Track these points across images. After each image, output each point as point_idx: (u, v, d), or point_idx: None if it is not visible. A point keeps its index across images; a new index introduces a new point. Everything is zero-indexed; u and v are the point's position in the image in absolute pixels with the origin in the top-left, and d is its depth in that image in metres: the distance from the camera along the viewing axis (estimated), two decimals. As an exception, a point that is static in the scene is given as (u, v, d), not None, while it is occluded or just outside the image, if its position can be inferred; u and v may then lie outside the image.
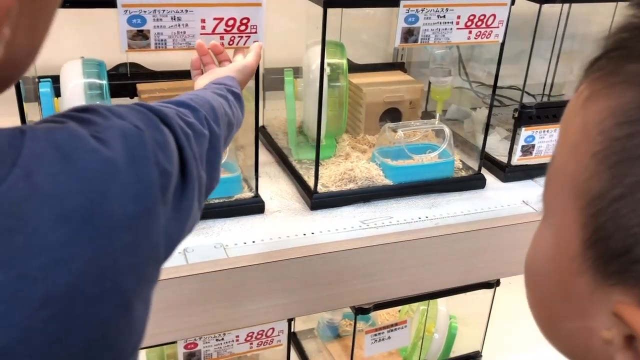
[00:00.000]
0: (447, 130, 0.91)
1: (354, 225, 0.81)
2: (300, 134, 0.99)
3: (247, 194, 0.82)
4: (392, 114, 1.02)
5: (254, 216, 0.81)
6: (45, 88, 0.77)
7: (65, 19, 0.89)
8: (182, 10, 0.67)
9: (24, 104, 0.69)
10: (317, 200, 0.84)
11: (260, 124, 1.05)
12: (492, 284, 1.04)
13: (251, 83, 0.77)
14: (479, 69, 1.14)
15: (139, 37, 0.67)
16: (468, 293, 1.00)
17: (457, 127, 1.10)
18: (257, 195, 0.82)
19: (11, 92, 0.66)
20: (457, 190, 0.91)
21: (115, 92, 0.85)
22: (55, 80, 0.80)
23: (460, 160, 0.96)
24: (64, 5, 0.64)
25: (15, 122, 0.68)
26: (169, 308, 0.69)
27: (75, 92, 0.78)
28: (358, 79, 1.03)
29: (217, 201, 0.80)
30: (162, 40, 0.68)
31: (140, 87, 0.91)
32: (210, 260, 0.71)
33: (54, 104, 0.79)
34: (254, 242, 0.76)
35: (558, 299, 0.29)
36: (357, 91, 1.01)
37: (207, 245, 0.74)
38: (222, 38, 0.70)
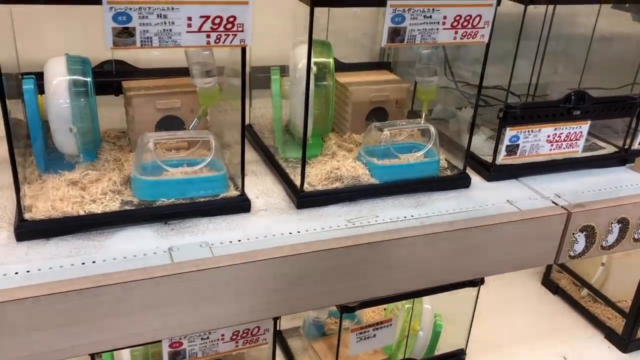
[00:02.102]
0: (432, 129, 0.92)
1: (340, 224, 0.81)
2: (287, 132, 0.99)
3: (233, 193, 0.82)
4: (379, 113, 1.02)
5: (239, 215, 0.81)
6: (28, 85, 0.77)
7: (49, 15, 0.89)
8: (168, 8, 0.67)
9: (7, 100, 0.68)
10: (303, 199, 0.84)
11: (247, 122, 1.05)
12: (477, 283, 1.05)
13: (237, 81, 0.77)
14: (465, 68, 1.15)
15: (124, 34, 0.67)
16: (453, 291, 1.01)
17: (443, 126, 1.11)
18: (243, 194, 0.82)
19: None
20: (442, 189, 0.92)
21: (100, 89, 0.85)
22: (39, 77, 0.79)
23: (446, 160, 0.96)
24: (48, 2, 0.64)
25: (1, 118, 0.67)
26: (153, 307, 0.68)
27: (59, 89, 0.78)
28: (344, 78, 1.03)
29: (203, 200, 0.80)
30: (147, 38, 0.67)
31: (126, 84, 0.91)
32: (196, 259, 0.70)
33: (37, 101, 0.78)
34: (239, 240, 0.76)
35: None
36: (343, 90, 1.01)
37: (192, 244, 0.74)
38: (208, 36, 0.70)
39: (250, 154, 1.00)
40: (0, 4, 0.63)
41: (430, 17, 0.79)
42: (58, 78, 0.78)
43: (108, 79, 0.91)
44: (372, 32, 1.33)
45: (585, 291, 1.43)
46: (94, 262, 0.69)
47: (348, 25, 1.27)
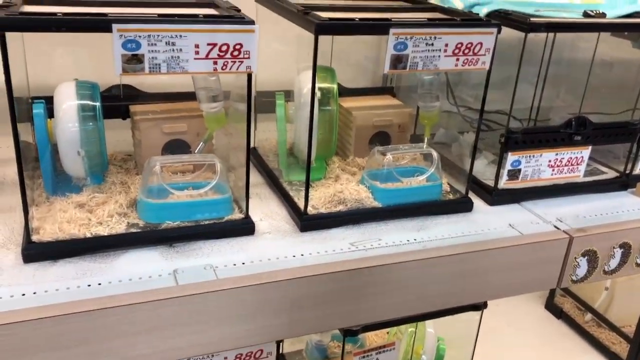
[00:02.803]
0: (434, 154, 0.93)
1: (344, 247, 0.82)
2: (291, 155, 1.00)
3: (237, 215, 0.83)
4: (381, 137, 1.03)
5: (244, 237, 0.82)
6: (38, 109, 0.78)
7: (60, 41, 0.91)
8: (176, 36, 0.68)
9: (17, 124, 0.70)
10: (307, 222, 0.85)
11: (252, 145, 1.07)
12: (480, 306, 1.05)
13: (243, 106, 0.79)
14: (466, 92, 1.17)
15: (133, 61, 0.68)
16: (456, 315, 1.01)
17: (445, 150, 1.12)
18: (247, 217, 0.83)
19: (4, 112, 0.67)
20: (444, 213, 0.93)
21: (108, 113, 0.86)
22: (49, 101, 0.81)
23: (448, 184, 0.97)
24: (60, 29, 0.66)
25: (9, 142, 0.68)
26: (158, 329, 0.69)
27: (68, 113, 0.79)
28: (348, 102, 1.04)
29: (207, 222, 0.81)
30: (156, 64, 0.69)
31: (133, 108, 0.92)
32: (200, 281, 0.71)
33: (46, 124, 0.80)
34: (243, 263, 0.76)
35: None
36: (347, 115, 1.03)
37: (197, 266, 0.75)
38: (215, 63, 0.71)
39: (255, 177, 1.01)
40: (15, 31, 0.65)
41: (432, 44, 0.80)
42: (67, 102, 0.80)
43: (116, 103, 0.93)
44: (376, 57, 1.35)
45: (589, 315, 1.42)
46: (99, 284, 0.70)
47: (352, 50, 1.29)
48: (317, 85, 0.81)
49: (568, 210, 0.99)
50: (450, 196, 0.95)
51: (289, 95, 0.96)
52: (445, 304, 0.87)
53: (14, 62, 0.68)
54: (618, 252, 0.96)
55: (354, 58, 1.31)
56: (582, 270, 0.94)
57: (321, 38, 0.77)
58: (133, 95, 0.95)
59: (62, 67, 0.98)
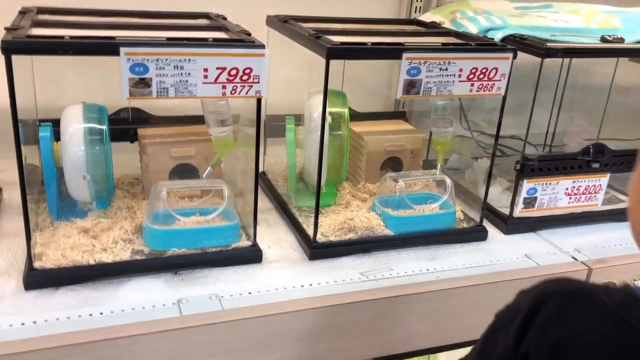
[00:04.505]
0: (448, 181, 0.91)
1: (354, 277, 0.79)
2: (300, 181, 0.98)
3: (244, 243, 0.81)
4: (393, 163, 1.01)
5: (251, 266, 0.80)
6: (45, 132, 0.77)
7: (68, 64, 0.90)
8: (184, 60, 0.67)
9: (24, 146, 0.68)
10: (316, 250, 0.82)
11: (261, 169, 1.05)
12: (494, 338, 1.01)
13: (252, 130, 0.77)
14: (480, 117, 1.14)
15: (141, 84, 0.67)
16: (470, 348, 0.97)
17: (458, 176, 1.10)
18: (255, 244, 0.81)
19: (11, 134, 0.66)
20: (458, 242, 0.90)
21: (116, 136, 0.85)
22: (56, 123, 0.80)
23: (462, 211, 0.95)
24: (67, 53, 0.65)
25: (12, 164, 0.67)
26: (160, 362, 0.66)
27: (74, 136, 0.78)
28: (359, 127, 1.02)
29: (213, 250, 0.78)
30: (164, 88, 0.68)
31: (141, 132, 0.91)
32: (205, 312, 0.69)
33: (53, 148, 0.78)
34: (250, 293, 0.74)
35: None
36: (358, 139, 1.01)
37: (202, 295, 0.72)
38: (224, 87, 0.70)
39: (263, 202, 0.99)
40: (22, 54, 0.64)
41: (446, 69, 0.79)
42: (74, 126, 0.79)
43: (124, 126, 0.92)
44: (388, 81, 1.34)
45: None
46: (101, 313, 0.68)
47: (364, 74, 1.28)
48: (327, 109, 0.79)
49: (586, 240, 0.96)
50: (464, 224, 0.92)
51: (299, 119, 0.95)
52: (459, 337, 0.84)
53: (23, 85, 0.67)
54: (639, 284, 0.92)
55: (366, 82, 1.30)
56: (601, 303, 0.90)
57: (332, 62, 0.75)
58: (141, 118, 0.94)
59: (70, 90, 0.97)
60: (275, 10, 0.99)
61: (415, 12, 1.28)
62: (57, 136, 0.80)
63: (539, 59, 0.88)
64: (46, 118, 0.83)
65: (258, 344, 0.70)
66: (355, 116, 1.03)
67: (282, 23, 0.91)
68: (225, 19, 0.89)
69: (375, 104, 1.33)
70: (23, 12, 0.79)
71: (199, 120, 0.88)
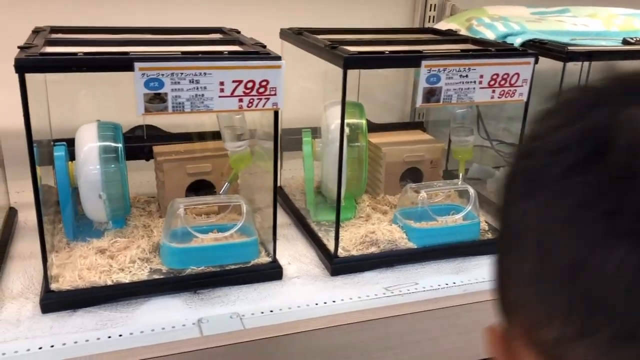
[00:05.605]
0: (471, 191, 0.88)
1: (378, 292, 0.77)
2: (318, 194, 0.96)
3: (264, 259, 0.79)
4: (413, 174, 0.99)
5: (271, 283, 0.78)
6: (59, 152, 0.76)
7: (80, 84, 0.89)
8: (200, 73, 0.66)
9: (38, 167, 0.67)
10: (337, 266, 0.80)
11: (277, 184, 1.03)
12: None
13: (268, 144, 0.75)
14: (495, 126, 1.12)
15: (156, 100, 0.66)
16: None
17: (480, 186, 1.07)
18: (274, 261, 0.79)
19: (26, 155, 0.65)
20: (484, 253, 0.87)
21: (131, 154, 0.84)
22: (71, 143, 0.79)
23: (486, 222, 0.92)
24: (81, 70, 0.64)
25: (27, 186, 0.66)
26: (181, 385, 0.64)
27: (89, 155, 0.77)
28: (377, 138, 1.01)
29: (233, 267, 0.76)
30: (179, 103, 0.66)
31: (156, 149, 0.90)
32: (226, 332, 0.67)
33: (68, 168, 0.77)
34: (271, 311, 0.72)
35: None
36: (376, 151, 0.99)
37: (222, 315, 0.70)
38: (240, 100, 0.68)
39: (281, 217, 0.97)
40: (36, 72, 0.64)
41: (467, 76, 0.77)
42: (89, 144, 0.77)
43: (139, 144, 0.91)
44: (402, 92, 1.32)
45: None
46: (120, 335, 0.66)
47: (377, 86, 1.26)
48: (345, 120, 0.77)
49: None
50: (489, 235, 0.89)
51: (315, 132, 0.93)
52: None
53: (36, 105, 0.66)
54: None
55: (378, 95, 1.28)
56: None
57: (348, 73, 0.73)
58: (156, 135, 0.93)
59: (84, 109, 0.96)
60: (286, 24, 0.97)
61: (429, 22, 1.27)
62: (71, 156, 0.79)
63: (557, 64, 0.86)
64: (61, 138, 0.82)
65: (282, 364, 0.68)
66: (372, 127, 1.01)
67: (297, 35, 0.90)
68: (238, 32, 0.88)
69: (389, 116, 1.32)
70: (36, 32, 0.79)
71: (214, 136, 0.87)
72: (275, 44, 0.90)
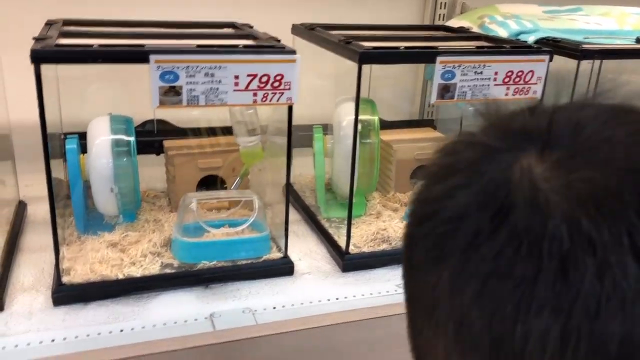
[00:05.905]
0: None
1: (389, 289, 0.76)
2: (329, 191, 0.96)
3: (275, 255, 0.79)
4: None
5: (282, 278, 0.77)
6: (71, 145, 0.76)
7: (91, 77, 0.89)
8: (215, 67, 0.65)
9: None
10: (349, 262, 0.80)
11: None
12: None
13: (280, 139, 0.75)
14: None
15: (171, 93, 0.65)
16: None
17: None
18: (286, 256, 0.79)
19: (35, 149, 0.64)
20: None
21: (141, 149, 0.83)
22: (83, 136, 0.79)
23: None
24: (96, 62, 0.63)
25: (41, 178, 0.65)
26: (194, 379, 0.64)
27: (101, 148, 0.77)
28: (387, 135, 1.00)
29: (245, 262, 0.76)
30: (194, 96, 0.66)
31: (167, 143, 0.89)
32: (239, 327, 0.66)
33: (79, 160, 0.77)
34: (283, 306, 0.71)
35: None
36: (386, 148, 0.98)
37: (234, 309, 0.70)
38: (255, 95, 0.68)
39: (291, 213, 0.95)
40: (51, 63, 0.63)
41: (481, 73, 0.76)
42: (101, 138, 0.77)
43: (150, 138, 0.90)
44: (408, 91, 1.32)
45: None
46: (132, 329, 0.65)
47: (384, 84, 1.26)
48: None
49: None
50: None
51: (326, 128, 0.93)
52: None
53: (48, 98, 0.66)
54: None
55: (387, 93, 1.28)
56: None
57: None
58: (167, 130, 0.93)
59: (96, 103, 0.96)
60: (297, 20, 0.97)
61: (439, 20, 1.26)
62: (83, 149, 0.79)
63: (569, 63, 0.86)
64: (72, 131, 0.82)
65: (294, 359, 0.68)
66: (382, 125, 1.00)
67: (309, 31, 0.90)
68: (251, 27, 0.87)
69: (398, 114, 1.31)
70: (49, 24, 0.79)
71: (225, 131, 0.87)
72: (285, 40, 0.89)
